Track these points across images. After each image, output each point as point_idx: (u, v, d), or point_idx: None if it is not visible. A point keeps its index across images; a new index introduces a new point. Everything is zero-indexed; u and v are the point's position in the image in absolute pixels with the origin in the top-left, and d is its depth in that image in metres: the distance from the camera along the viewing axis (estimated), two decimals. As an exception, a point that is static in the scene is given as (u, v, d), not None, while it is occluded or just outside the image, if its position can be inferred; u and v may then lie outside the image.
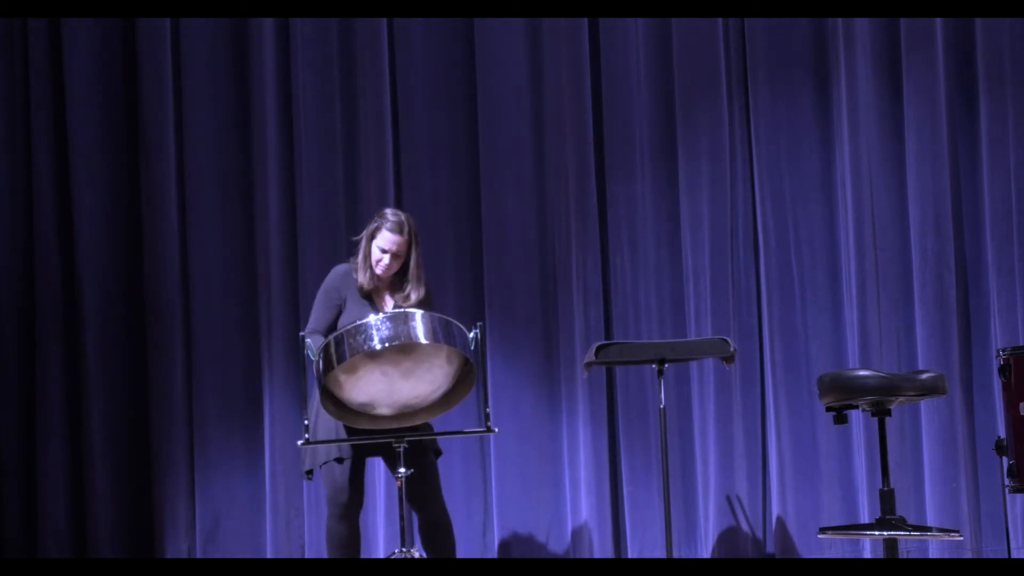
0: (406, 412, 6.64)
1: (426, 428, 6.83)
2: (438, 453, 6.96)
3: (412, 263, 6.89)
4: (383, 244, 6.86)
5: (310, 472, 6.86)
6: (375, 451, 6.84)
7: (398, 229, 6.86)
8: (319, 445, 6.75)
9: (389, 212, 6.93)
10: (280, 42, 8.17)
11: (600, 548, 7.83)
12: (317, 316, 6.92)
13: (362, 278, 6.89)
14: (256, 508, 8.09)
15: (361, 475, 6.83)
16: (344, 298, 6.91)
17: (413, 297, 6.88)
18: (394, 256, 6.86)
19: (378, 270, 6.87)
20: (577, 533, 7.89)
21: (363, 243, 6.93)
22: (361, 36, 8.13)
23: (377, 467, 7.70)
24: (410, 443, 6.68)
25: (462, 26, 8.14)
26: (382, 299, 6.93)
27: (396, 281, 6.92)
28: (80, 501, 8.12)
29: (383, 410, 6.62)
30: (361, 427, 6.65)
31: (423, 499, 6.87)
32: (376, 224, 6.90)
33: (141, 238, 8.19)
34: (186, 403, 8.11)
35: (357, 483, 6.81)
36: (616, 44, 8.04)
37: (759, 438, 7.84)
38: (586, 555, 7.86)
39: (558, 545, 7.92)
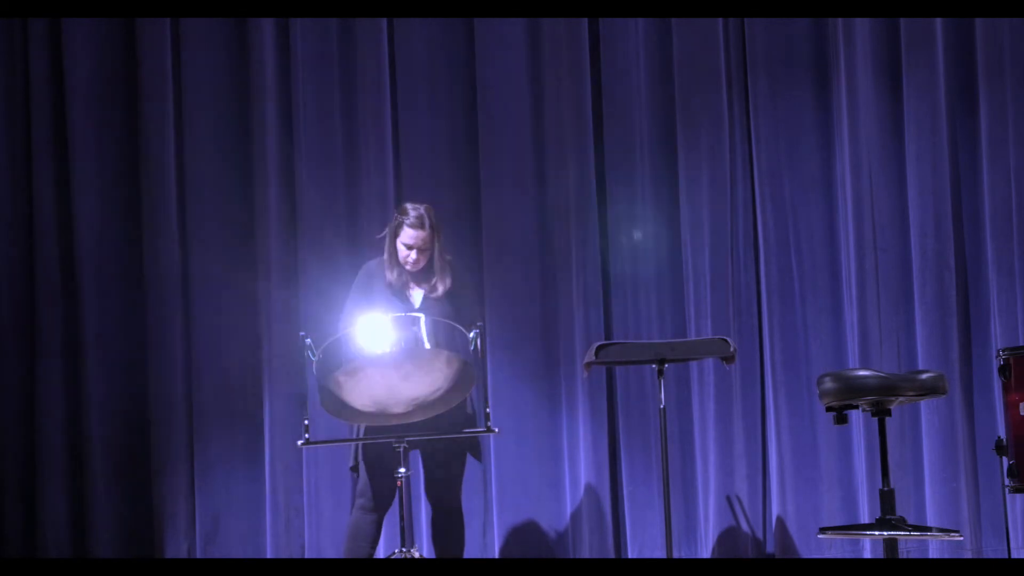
0: (410, 410, 6.67)
1: (458, 426, 6.85)
2: (475, 452, 7.00)
3: (436, 254, 6.92)
4: (407, 240, 6.89)
5: (355, 467, 6.88)
6: (411, 445, 6.86)
7: (419, 224, 6.89)
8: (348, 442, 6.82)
9: (409, 207, 6.96)
10: (280, 42, 8.17)
11: (600, 548, 7.83)
12: (353, 313, 6.85)
13: (390, 276, 6.92)
14: (256, 508, 8.09)
15: (392, 472, 6.83)
16: (372, 291, 6.93)
17: (440, 288, 6.93)
18: (420, 251, 6.90)
19: (408, 267, 6.91)
20: (577, 533, 7.89)
21: (387, 241, 6.95)
22: (361, 36, 8.13)
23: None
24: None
25: (462, 26, 8.13)
26: (409, 291, 6.95)
27: (423, 272, 6.94)
28: (80, 501, 8.12)
29: (389, 409, 6.65)
30: (370, 424, 6.69)
31: (442, 493, 6.90)
32: (397, 221, 6.93)
33: (141, 238, 8.18)
34: (186, 403, 8.11)
35: (386, 479, 6.83)
36: (616, 44, 8.03)
37: (759, 438, 7.84)
38: (586, 555, 7.86)
39: (558, 545, 7.92)
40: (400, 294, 6.93)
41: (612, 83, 8.03)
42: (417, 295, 6.96)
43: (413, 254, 6.90)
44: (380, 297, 6.92)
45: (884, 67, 7.83)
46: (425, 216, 6.91)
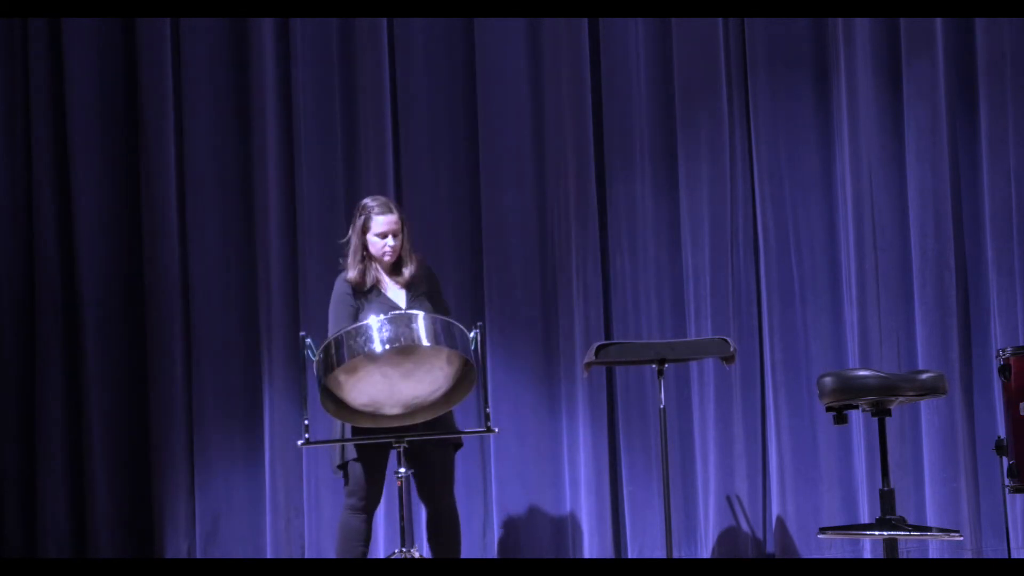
0: (406, 412, 6.66)
1: (443, 425, 6.84)
2: (458, 446, 6.98)
3: (404, 239, 6.92)
4: (380, 229, 6.88)
5: (342, 467, 6.88)
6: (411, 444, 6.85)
7: (388, 209, 6.91)
8: (347, 442, 6.81)
9: (369, 200, 6.96)
10: (280, 42, 8.17)
11: (600, 548, 7.83)
12: (339, 325, 6.81)
13: (352, 273, 6.89)
14: (256, 508, 8.09)
15: (382, 471, 6.84)
16: (360, 302, 6.90)
17: (406, 273, 6.91)
18: (394, 235, 6.89)
19: (387, 257, 6.90)
20: (577, 533, 7.89)
21: (354, 240, 6.93)
22: (361, 36, 8.13)
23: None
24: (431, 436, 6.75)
25: (462, 26, 8.14)
26: (386, 289, 6.93)
27: (394, 266, 6.94)
28: (80, 501, 8.13)
29: (383, 410, 6.64)
30: (362, 425, 6.67)
31: (435, 492, 6.90)
32: (363, 216, 6.92)
33: (141, 238, 8.19)
34: (186, 403, 8.11)
35: (377, 479, 6.83)
36: (616, 44, 8.04)
37: (759, 438, 7.84)
38: (586, 555, 7.86)
39: (558, 545, 7.92)
40: (375, 295, 6.91)
41: (612, 83, 8.03)
42: (396, 292, 6.94)
43: (390, 240, 6.89)
44: (364, 303, 6.90)
45: (884, 67, 7.83)
46: (389, 202, 6.95)
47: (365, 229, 6.91)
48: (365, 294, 6.90)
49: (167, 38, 8.18)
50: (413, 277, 6.93)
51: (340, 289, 6.96)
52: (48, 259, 8.19)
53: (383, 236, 6.89)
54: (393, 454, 6.76)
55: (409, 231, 6.98)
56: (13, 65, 8.27)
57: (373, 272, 6.92)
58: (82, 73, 8.22)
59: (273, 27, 8.16)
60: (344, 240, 7.01)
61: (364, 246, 6.91)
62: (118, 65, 8.28)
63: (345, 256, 6.96)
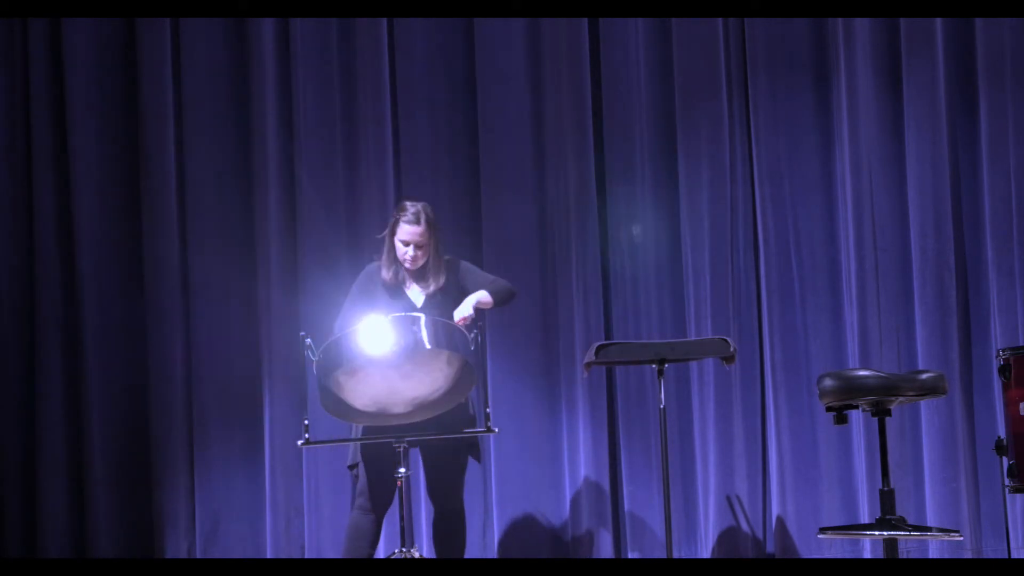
0: (406, 412, 6.67)
1: (457, 423, 6.83)
2: (472, 445, 6.97)
3: (432, 252, 6.91)
4: (404, 237, 6.90)
5: (354, 466, 6.88)
6: (411, 445, 6.85)
7: (415, 220, 6.90)
8: (345, 442, 6.83)
9: (408, 204, 6.98)
10: (280, 42, 8.17)
11: (600, 548, 7.84)
12: (351, 313, 6.89)
13: (385, 273, 6.92)
14: (256, 508, 8.09)
15: (391, 471, 6.81)
16: (373, 294, 6.92)
17: (433, 286, 6.92)
18: (417, 247, 6.89)
19: (407, 264, 6.91)
20: (577, 533, 7.89)
21: (386, 239, 6.95)
22: (361, 36, 8.13)
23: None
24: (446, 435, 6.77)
25: (462, 26, 8.14)
26: (407, 289, 6.94)
27: (421, 271, 6.94)
28: (80, 501, 8.12)
29: (383, 410, 6.65)
30: (363, 424, 6.69)
31: (444, 492, 6.91)
32: (395, 219, 6.95)
33: (141, 238, 8.19)
34: (186, 403, 8.11)
35: (385, 479, 6.83)
36: (616, 44, 8.04)
37: (759, 438, 7.84)
38: (586, 555, 7.86)
39: (558, 545, 7.92)
40: (398, 292, 6.93)
41: (612, 83, 8.03)
42: (416, 293, 6.95)
43: (411, 250, 6.90)
44: (381, 298, 6.93)
45: (884, 67, 7.83)
46: (422, 212, 6.92)
47: (393, 231, 6.94)
48: (387, 290, 6.92)
49: (167, 38, 8.19)
50: (438, 288, 6.93)
51: (364, 277, 7.00)
52: (48, 260, 8.19)
53: (405, 244, 6.90)
54: (403, 454, 6.77)
55: (438, 243, 6.96)
56: (13, 65, 8.27)
57: (401, 272, 6.94)
58: (82, 73, 8.22)
59: (273, 27, 8.16)
60: (380, 236, 7.02)
61: (392, 247, 6.93)
62: (118, 66, 8.28)
63: (380, 252, 6.98)
